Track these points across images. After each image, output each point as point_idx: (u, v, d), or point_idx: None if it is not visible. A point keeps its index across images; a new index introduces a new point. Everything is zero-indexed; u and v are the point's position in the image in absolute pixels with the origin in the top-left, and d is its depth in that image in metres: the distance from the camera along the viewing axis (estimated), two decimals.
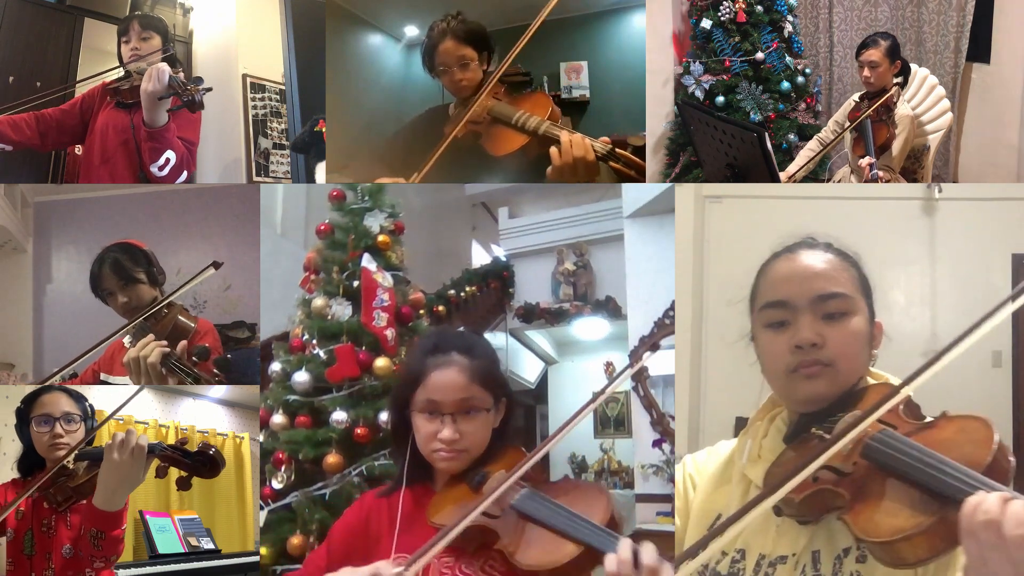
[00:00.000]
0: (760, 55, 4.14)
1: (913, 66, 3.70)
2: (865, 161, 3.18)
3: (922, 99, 3.59)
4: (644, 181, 2.42)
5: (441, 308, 6.17)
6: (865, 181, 3.20)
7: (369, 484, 2.99)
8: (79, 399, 2.13)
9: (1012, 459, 1.03)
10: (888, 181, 3.26)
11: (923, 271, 4.04)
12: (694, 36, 4.30)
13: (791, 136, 4.13)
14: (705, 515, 1.31)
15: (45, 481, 1.92)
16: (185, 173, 2.85)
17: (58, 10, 3.63)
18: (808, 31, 4.75)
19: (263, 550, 3.06)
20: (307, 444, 3.12)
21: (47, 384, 2.15)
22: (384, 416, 3.11)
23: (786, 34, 4.24)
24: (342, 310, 3.30)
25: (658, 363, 5.71)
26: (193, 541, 3.79)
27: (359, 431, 3.10)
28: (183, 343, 1.97)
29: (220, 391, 4.26)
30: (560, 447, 8.47)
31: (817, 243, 1.28)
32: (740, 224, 4.16)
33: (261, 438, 3.31)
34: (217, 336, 2.27)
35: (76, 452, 1.95)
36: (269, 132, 4.02)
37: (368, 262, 3.32)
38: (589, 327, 7.54)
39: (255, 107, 3.99)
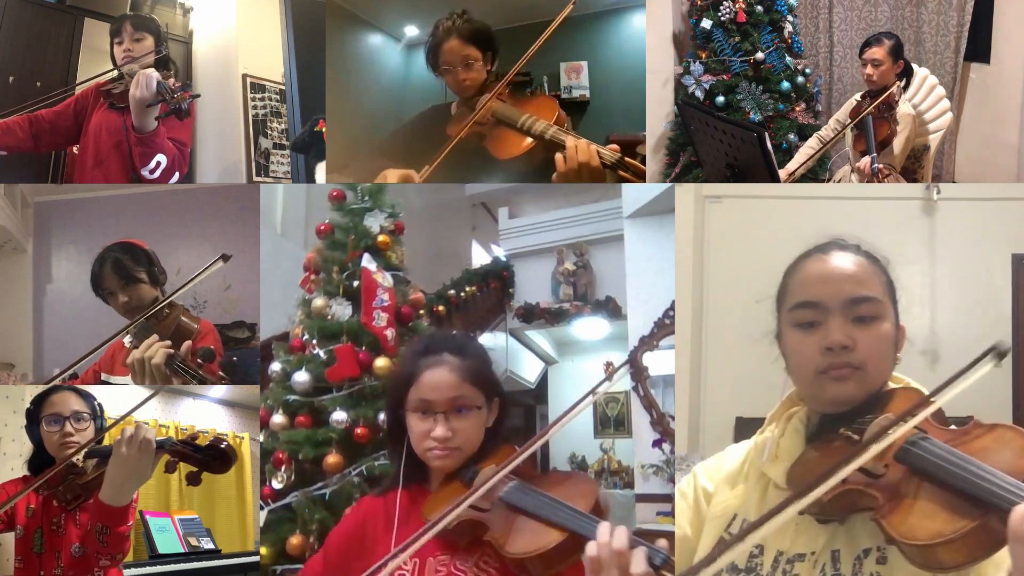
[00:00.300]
0: (760, 55, 4.14)
1: (913, 66, 3.71)
2: (865, 160, 3.19)
3: (923, 99, 3.60)
4: (644, 181, 2.42)
5: (441, 308, 6.17)
6: (866, 178, 3.21)
7: (369, 484, 2.99)
8: (88, 398, 2.14)
9: None
10: (888, 175, 3.27)
11: (923, 271, 4.04)
12: (694, 36, 4.30)
13: (791, 136, 4.13)
14: (722, 516, 1.31)
15: (53, 478, 1.93)
16: (177, 174, 2.86)
17: (58, 10, 3.63)
18: (808, 31, 4.75)
19: (263, 550, 3.06)
20: (307, 444, 3.12)
21: (55, 384, 2.15)
22: (384, 417, 3.11)
23: (786, 34, 4.24)
24: (342, 310, 3.30)
25: (658, 363, 5.72)
26: (193, 541, 3.79)
27: (359, 431, 3.10)
28: (187, 344, 1.97)
29: (220, 391, 4.26)
30: (560, 447, 8.47)
31: (848, 245, 1.28)
32: (740, 224, 4.17)
33: (261, 438, 3.31)
34: (218, 337, 2.27)
35: (86, 450, 1.96)
36: (269, 132, 4.02)
37: (368, 262, 3.32)
38: (589, 327, 7.55)
39: (255, 107, 3.99)
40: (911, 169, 3.54)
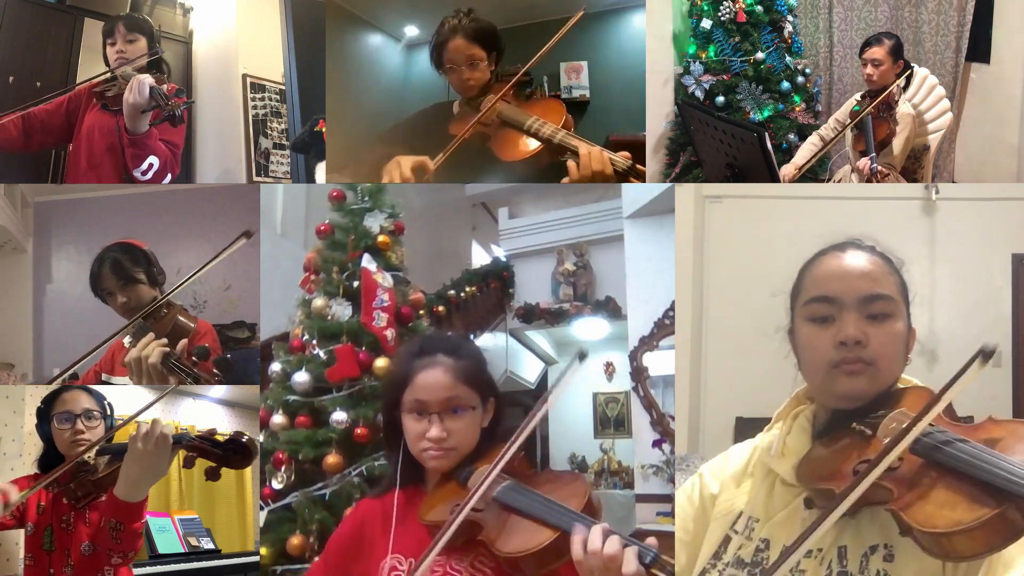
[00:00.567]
0: (760, 55, 4.14)
1: (913, 66, 3.70)
2: (864, 160, 3.19)
3: (922, 99, 3.60)
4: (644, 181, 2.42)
5: (441, 308, 6.17)
6: (865, 178, 3.21)
7: (369, 484, 2.99)
8: (98, 397, 2.15)
9: None
10: (888, 176, 3.27)
11: (923, 271, 4.04)
12: (694, 36, 4.30)
13: (791, 136, 4.13)
14: (728, 514, 1.32)
15: (64, 475, 1.94)
16: (169, 176, 2.86)
17: (58, 10, 3.63)
18: (808, 31, 4.74)
19: (263, 550, 3.06)
20: (307, 444, 3.12)
21: (65, 383, 2.16)
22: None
23: (786, 34, 4.24)
24: (342, 310, 3.30)
25: (658, 363, 5.72)
26: (193, 541, 3.79)
27: (359, 431, 3.10)
28: (183, 342, 1.97)
29: (220, 391, 4.26)
30: (560, 447, 8.48)
31: (864, 245, 1.30)
32: (740, 224, 4.17)
33: (261, 438, 3.31)
34: (216, 337, 2.27)
35: (98, 447, 1.96)
36: (269, 132, 4.02)
37: (368, 262, 3.32)
38: (589, 327, 7.54)
39: (255, 107, 3.99)
40: (911, 169, 3.54)
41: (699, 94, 4.18)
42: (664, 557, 1.09)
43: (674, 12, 4.29)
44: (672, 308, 5.40)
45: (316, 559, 1.48)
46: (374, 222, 3.42)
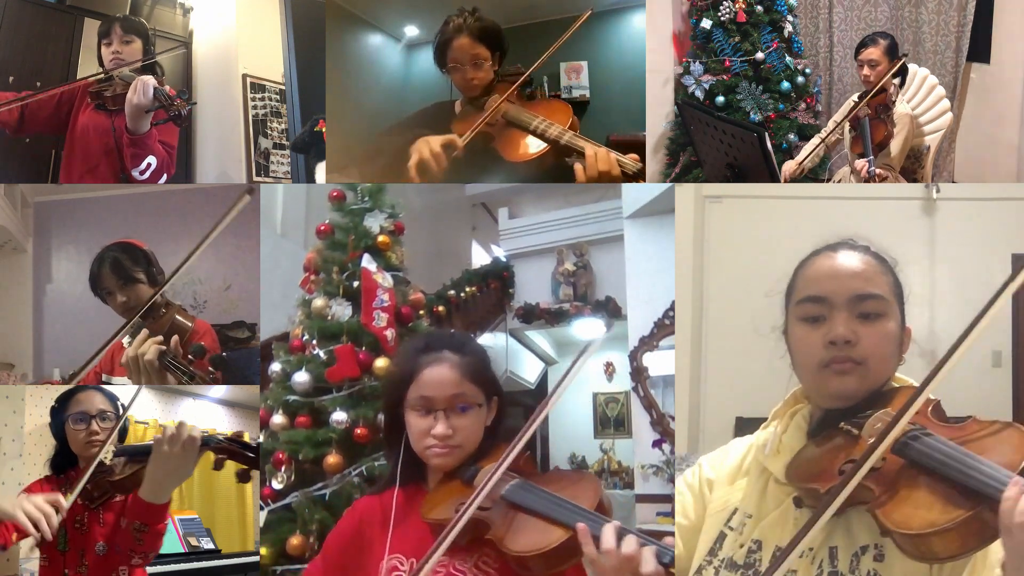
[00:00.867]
0: (760, 55, 4.14)
1: (912, 66, 3.70)
2: (861, 162, 3.19)
3: (922, 99, 3.60)
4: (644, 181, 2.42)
5: (441, 308, 6.17)
6: (863, 180, 3.21)
7: (369, 484, 2.99)
8: (112, 398, 2.15)
9: None
10: (886, 179, 3.27)
11: (923, 271, 4.04)
12: (694, 36, 4.30)
13: (791, 136, 4.13)
14: (722, 511, 1.33)
15: (80, 475, 1.94)
16: (165, 175, 2.87)
17: (58, 10, 3.63)
18: (808, 31, 4.75)
19: (263, 550, 3.06)
20: (307, 444, 3.12)
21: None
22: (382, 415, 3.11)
23: (786, 34, 4.24)
24: (342, 310, 3.30)
25: (658, 363, 5.73)
26: (193, 541, 3.79)
27: (359, 431, 3.10)
28: (175, 339, 1.97)
29: (220, 391, 4.26)
30: (560, 447, 8.48)
31: (857, 245, 1.31)
32: (740, 224, 4.17)
33: (261, 438, 3.31)
34: (215, 336, 2.27)
35: (115, 448, 1.97)
36: (269, 132, 4.02)
37: (368, 262, 3.32)
38: (589, 327, 7.54)
39: (255, 107, 3.99)
40: (911, 169, 3.54)
41: (699, 94, 4.18)
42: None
43: (674, 12, 4.30)
44: (672, 308, 5.40)
45: (314, 558, 1.47)
46: (374, 222, 3.42)
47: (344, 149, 3.14)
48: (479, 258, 8.69)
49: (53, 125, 2.91)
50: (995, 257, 3.99)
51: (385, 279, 3.34)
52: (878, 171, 3.19)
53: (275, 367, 3.29)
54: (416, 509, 1.32)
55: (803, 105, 4.25)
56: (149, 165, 2.77)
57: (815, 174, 3.97)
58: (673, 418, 5.32)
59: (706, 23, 4.18)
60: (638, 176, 2.19)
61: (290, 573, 2.98)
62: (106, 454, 1.98)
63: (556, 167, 2.36)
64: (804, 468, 1.20)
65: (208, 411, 4.31)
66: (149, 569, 3.47)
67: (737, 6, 4.13)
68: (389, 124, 2.99)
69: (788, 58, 4.22)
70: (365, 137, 3.08)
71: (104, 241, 2.29)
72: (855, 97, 3.51)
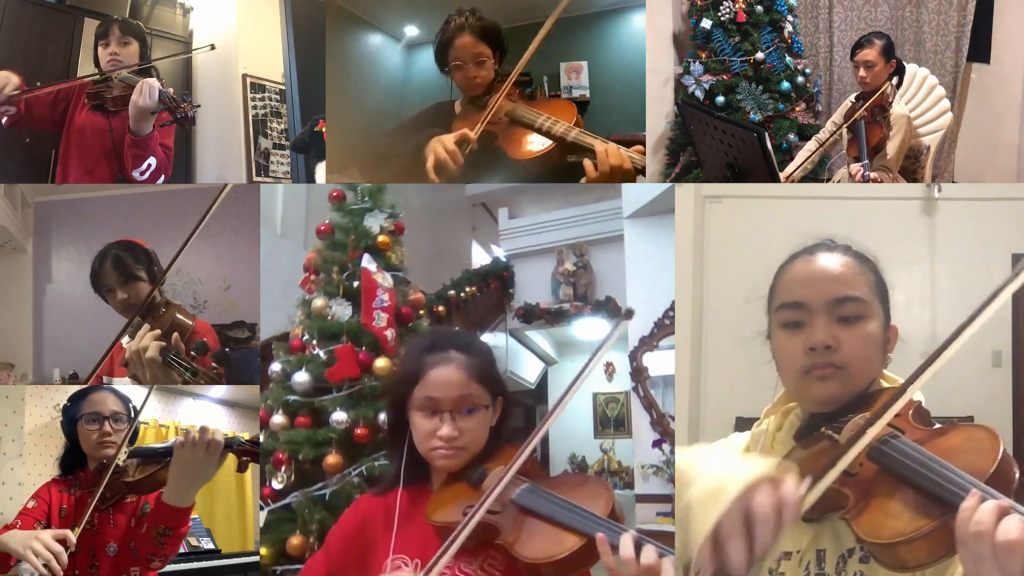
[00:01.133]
0: (760, 55, 4.14)
1: (911, 66, 3.70)
2: (856, 167, 3.18)
3: (921, 99, 3.60)
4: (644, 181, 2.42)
5: (441, 308, 6.18)
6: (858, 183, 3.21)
7: (369, 484, 2.99)
8: (124, 399, 2.16)
9: (1016, 470, 1.03)
10: (880, 183, 3.27)
11: (923, 271, 4.04)
12: (694, 36, 4.30)
13: (791, 136, 4.13)
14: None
15: (91, 475, 1.97)
16: (163, 177, 2.87)
17: (58, 10, 3.63)
18: (808, 31, 4.75)
19: (263, 550, 3.06)
20: (307, 444, 3.12)
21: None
22: (384, 416, 3.11)
23: (786, 34, 4.24)
24: (342, 310, 3.30)
25: (658, 363, 5.73)
26: (193, 541, 3.78)
27: (359, 431, 3.10)
28: (175, 335, 1.97)
29: (220, 391, 4.26)
30: (560, 447, 8.47)
31: (836, 245, 1.29)
32: (740, 224, 4.17)
33: (261, 438, 3.31)
34: (215, 336, 2.27)
35: (128, 449, 1.98)
36: (269, 132, 4.02)
37: (368, 262, 3.32)
38: (589, 327, 7.54)
39: (255, 107, 3.99)
40: (911, 169, 3.54)
41: (699, 94, 4.18)
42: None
43: (674, 12, 4.30)
44: (672, 308, 5.40)
45: (315, 553, 1.46)
46: (374, 222, 3.42)
47: (344, 149, 3.14)
48: (479, 258, 8.70)
49: (48, 122, 2.91)
50: (995, 257, 3.99)
51: (385, 279, 3.34)
52: (872, 175, 3.19)
53: (275, 367, 3.29)
54: (420, 510, 1.31)
55: (803, 105, 4.25)
56: (149, 166, 2.77)
57: (815, 175, 3.97)
58: (673, 418, 5.33)
59: (706, 23, 4.18)
60: (639, 175, 2.19)
61: (290, 573, 2.98)
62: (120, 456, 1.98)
63: (560, 165, 2.35)
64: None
65: (208, 411, 4.31)
66: None
67: (737, 6, 4.13)
68: (389, 125, 2.99)
69: (788, 58, 4.23)
70: (365, 137, 3.07)
71: (104, 241, 2.29)
72: (852, 98, 3.51)
